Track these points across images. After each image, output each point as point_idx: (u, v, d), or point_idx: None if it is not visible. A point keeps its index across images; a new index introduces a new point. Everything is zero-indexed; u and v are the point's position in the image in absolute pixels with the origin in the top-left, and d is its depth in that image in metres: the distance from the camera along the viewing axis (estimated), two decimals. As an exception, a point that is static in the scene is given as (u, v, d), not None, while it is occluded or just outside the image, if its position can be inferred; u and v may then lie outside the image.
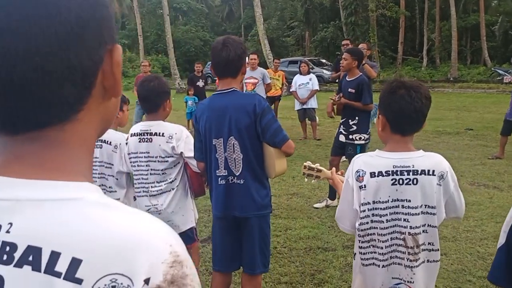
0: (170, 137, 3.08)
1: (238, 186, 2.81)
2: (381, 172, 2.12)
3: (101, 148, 3.48)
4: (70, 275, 0.57)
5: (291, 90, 11.36)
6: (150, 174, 3.14)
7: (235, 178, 2.81)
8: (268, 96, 11.52)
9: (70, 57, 0.61)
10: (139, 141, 3.15)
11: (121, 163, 3.38)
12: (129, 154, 3.23)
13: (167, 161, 3.10)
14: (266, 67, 12.87)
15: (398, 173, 2.10)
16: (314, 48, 36.35)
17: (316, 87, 10.86)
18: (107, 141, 3.46)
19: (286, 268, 4.33)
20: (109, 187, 3.48)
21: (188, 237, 3.20)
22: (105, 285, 0.57)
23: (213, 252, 3.08)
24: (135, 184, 3.22)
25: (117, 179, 3.44)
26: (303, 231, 5.20)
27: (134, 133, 3.20)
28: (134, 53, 36.71)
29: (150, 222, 0.65)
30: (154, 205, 3.13)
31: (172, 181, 3.13)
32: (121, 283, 0.58)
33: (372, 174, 2.13)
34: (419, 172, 2.10)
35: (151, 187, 3.14)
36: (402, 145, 2.15)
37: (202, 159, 2.95)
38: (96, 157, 3.52)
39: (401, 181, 2.10)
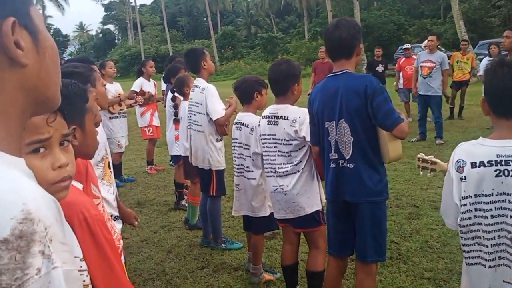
0: (294, 121, 3.16)
1: (349, 170, 2.76)
2: (482, 162, 1.88)
3: (240, 130, 3.74)
4: None
5: (478, 74, 10.33)
6: (277, 155, 3.26)
7: (345, 162, 2.76)
8: (455, 80, 10.67)
9: None
10: (267, 124, 3.30)
11: (256, 144, 3.59)
12: (260, 136, 3.41)
13: (291, 144, 3.19)
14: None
15: (503, 163, 1.85)
16: (525, 27, 31.97)
17: (509, 70, 9.65)
18: (246, 124, 3.70)
19: (433, 264, 4.07)
20: (247, 167, 3.73)
21: (313, 219, 3.25)
22: None
23: (327, 235, 3.09)
24: (265, 164, 3.39)
25: (253, 159, 3.67)
26: (462, 227, 4.77)
27: (264, 116, 3.36)
28: (326, 40, 37.14)
29: (13, 182, 0.71)
30: (281, 185, 3.25)
31: (298, 163, 3.20)
32: None
33: (473, 165, 1.91)
34: None
35: (278, 168, 3.26)
36: (510, 131, 1.87)
37: (316, 142, 2.96)
38: (236, 139, 3.80)
39: (506, 172, 1.84)
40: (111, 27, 68.74)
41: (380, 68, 11.64)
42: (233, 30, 51.13)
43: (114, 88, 7.11)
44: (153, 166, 7.86)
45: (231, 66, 39.79)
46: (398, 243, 4.47)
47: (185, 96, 5.02)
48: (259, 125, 3.45)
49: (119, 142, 7.13)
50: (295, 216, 3.26)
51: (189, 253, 4.54)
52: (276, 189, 3.28)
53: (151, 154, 7.85)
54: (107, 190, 2.66)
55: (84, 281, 0.78)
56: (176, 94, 5.38)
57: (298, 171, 3.20)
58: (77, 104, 1.64)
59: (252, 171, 3.69)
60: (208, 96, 4.27)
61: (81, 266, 0.76)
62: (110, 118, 7.08)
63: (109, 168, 2.78)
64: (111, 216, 2.67)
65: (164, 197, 6.40)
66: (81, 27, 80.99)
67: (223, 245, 4.57)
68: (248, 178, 3.73)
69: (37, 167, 1.16)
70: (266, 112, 3.36)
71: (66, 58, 62.81)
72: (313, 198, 3.23)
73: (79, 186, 1.71)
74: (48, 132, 1.22)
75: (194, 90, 4.46)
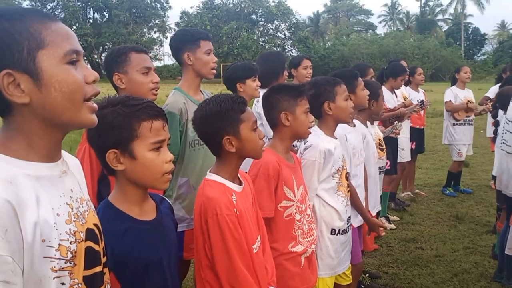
0: None
1: None
2: None
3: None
4: None
5: None
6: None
7: None
8: None
9: None
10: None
11: None
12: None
13: None
14: None
15: None
16: None
17: None
18: None
19: None
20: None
21: None
22: None
23: None
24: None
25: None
26: None
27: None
28: None
29: None
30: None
31: None
32: None
33: None
34: None
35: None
36: None
37: None
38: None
39: None
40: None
41: None
42: None
43: (463, 95, 6.80)
44: (499, 181, 7.12)
45: None
46: None
47: None
48: None
49: (459, 150, 6.82)
50: None
51: (474, 283, 4.08)
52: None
53: (499, 168, 7.12)
54: (341, 202, 2.78)
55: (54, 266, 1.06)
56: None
57: None
58: (230, 117, 1.90)
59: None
60: None
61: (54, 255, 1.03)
62: (453, 124, 6.84)
63: (347, 180, 2.88)
64: (339, 230, 2.78)
65: (491, 217, 5.78)
66: (502, 25, 77.02)
67: (516, 285, 3.91)
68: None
69: (157, 160, 1.55)
70: None
71: (479, 58, 60.67)
72: None
73: (236, 188, 1.95)
74: (164, 135, 1.58)
75: (510, 105, 3.93)
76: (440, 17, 74.60)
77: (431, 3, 75.11)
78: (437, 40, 53.24)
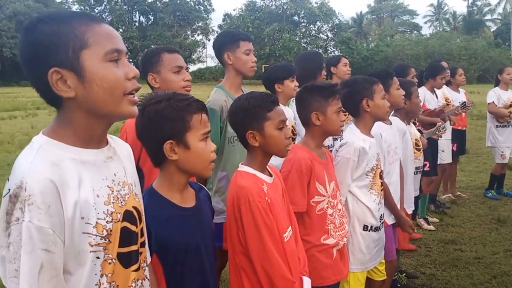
0: None
1: None
2: None
3: None
4: None
5: None
6: None
7: None
8: None
9: (29, 76, 1.21)
10: None
11: None
12: None
13: None
14: None
15: None
16: None
17: None
18: None
19: None
20: None
21: None
22: (7, 188, 1.13)
23: None
24: None
25: None
26: None
27: None
28: None
29: (26, 163, 1.14)
30: None
31: None
32: (8, 189, 1.12)
33: None
34: None
35: None
36: None
37: None
38: None
39: None
40: None
41: None
42: None
43: (506, 96, 6.67)
44: (545, 185, 6.94)
45: None
46: None
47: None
48: None
49: (502, 152, 6.68)
50: None
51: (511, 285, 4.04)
52: None
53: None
54: (373, 200, 2.83)
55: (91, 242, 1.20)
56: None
57: None
58: (256, 114, 2.02)
59: None
60: None
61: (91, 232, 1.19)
62: (496, 126, 6.72)
63: (380, 178, 2.91)
64: (371, 226, 2.84)
65: (536, 221, 5.66)
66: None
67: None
68: None
69: (206, 149, 1.71)
70: None
71: None
72: None
73: (267, 179, 2.07)
74: (209, 127, 1.74)
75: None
76: (488, 17, 72.30)
77: (479, 3, 72.99)
78: (485, 41, 51.61)
